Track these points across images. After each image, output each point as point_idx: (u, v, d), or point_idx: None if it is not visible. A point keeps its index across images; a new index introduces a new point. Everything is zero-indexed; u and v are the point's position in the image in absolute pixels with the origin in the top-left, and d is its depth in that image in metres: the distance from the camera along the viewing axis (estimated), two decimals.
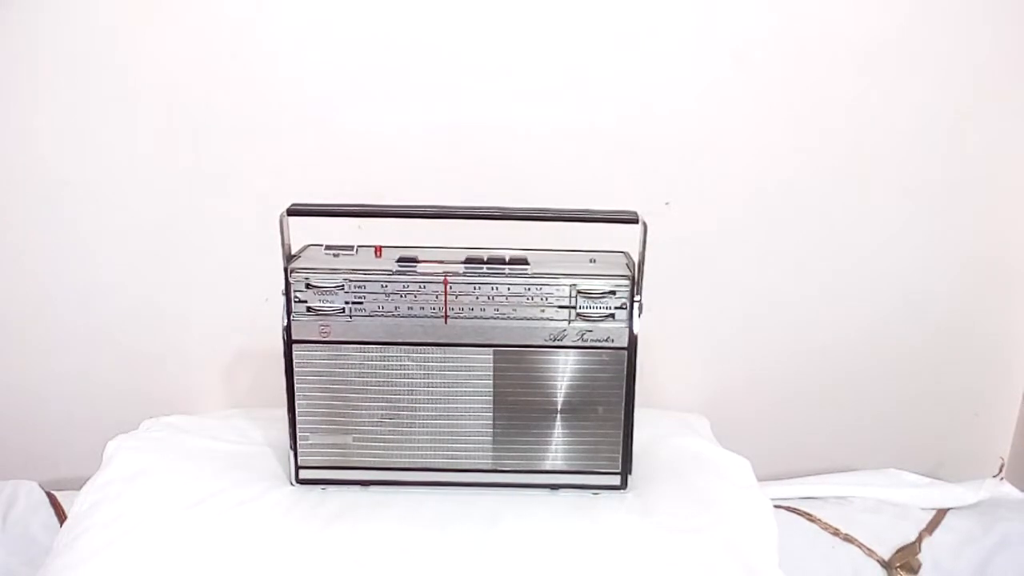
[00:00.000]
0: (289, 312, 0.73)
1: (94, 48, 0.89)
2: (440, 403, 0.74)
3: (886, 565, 0.86)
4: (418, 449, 0.75)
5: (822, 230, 1.00)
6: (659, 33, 0.91)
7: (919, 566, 0.86)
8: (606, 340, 0.73)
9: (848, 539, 0.88)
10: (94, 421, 0.93)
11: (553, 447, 0.76)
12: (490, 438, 0.75)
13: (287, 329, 0.73)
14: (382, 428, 0.75)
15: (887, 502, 0.93)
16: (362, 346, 0.73)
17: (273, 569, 0.68)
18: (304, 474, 0.76)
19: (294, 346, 0.73)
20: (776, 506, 0.83)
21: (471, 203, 0.73)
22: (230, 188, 0.95)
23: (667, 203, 0.96)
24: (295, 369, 0.74)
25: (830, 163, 0.97)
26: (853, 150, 0.96)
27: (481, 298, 0.72)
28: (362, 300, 0.72)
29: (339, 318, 0.73)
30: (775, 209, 0.98)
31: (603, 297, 0.73)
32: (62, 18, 0.88)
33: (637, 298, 0.73)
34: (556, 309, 0.73)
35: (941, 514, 0.91)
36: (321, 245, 0.77)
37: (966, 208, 1.00)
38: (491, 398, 0.74)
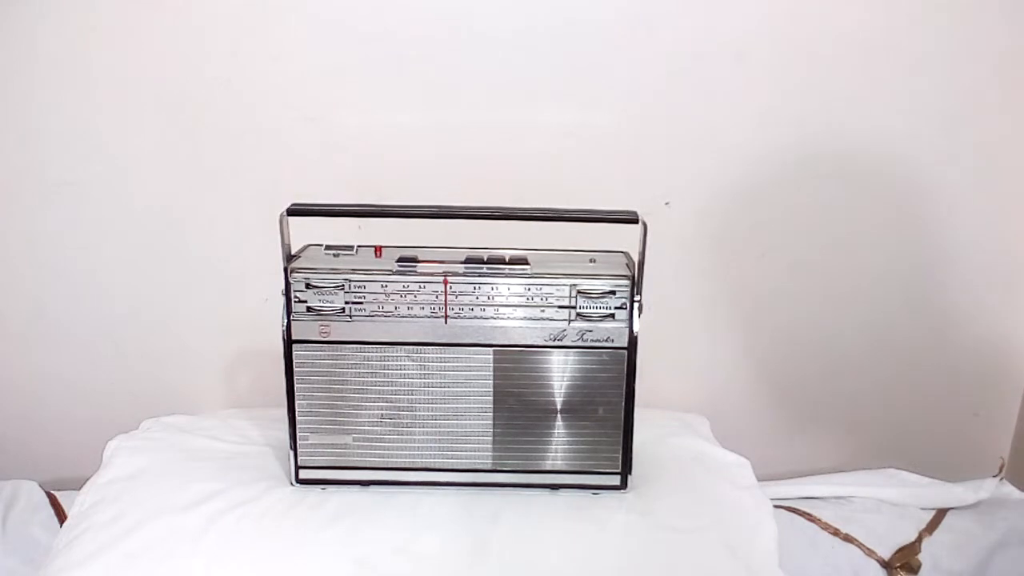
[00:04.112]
0: (289, 312, 0.73)
1: (94, 48, 0.89)
2: (440, 403, 0.74)
3: (886, 565, 0.86)
4: (418, 449, 0.75)
5: (822, 230, 1.00)
6: (659, 32, 0.91)
7: (919, 566, 0.86)
8: (606, 340, 0.73)
9: (848, 539, 0.88)
10: (94, 421, 0.93)
11: (553, 447, 0.76)
12: (490, 438, 0.75)
13: (287, 329, 0.73)
14: (382, 428, 0.75)
15: (887, 502, 0.92)
16: (362, 346, 0.73)
17: (273, 569, 0.68)
18: (304, 474, 0.76)
19: (294, 346, 0.73)
20: (776, 506, 0.83)
21: (471, 203, 0.73)
22: (230, 188, 0.95)
23: (667, 203, 0.96)
24: (295, 369, 0.74)
25: (830, 163, 0.97)
26: (853, 150, 0.96)
27: (481, 298, 0.72)
28: (362, 300, 0.72)
29: (339, 318, 0.73)
30: (775, 209, 0.98)
31: (603, 297, 0.73)
32: (62, 18, 0.88)
33: (637, 298, 0.73)
34: (556, 309, 0.73)
35: (941, 514, 0.91)
36: (321, 245, 0.77)
37: (966, 208, 1.00)
38: (491, 398, 0.74)
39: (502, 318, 0.73)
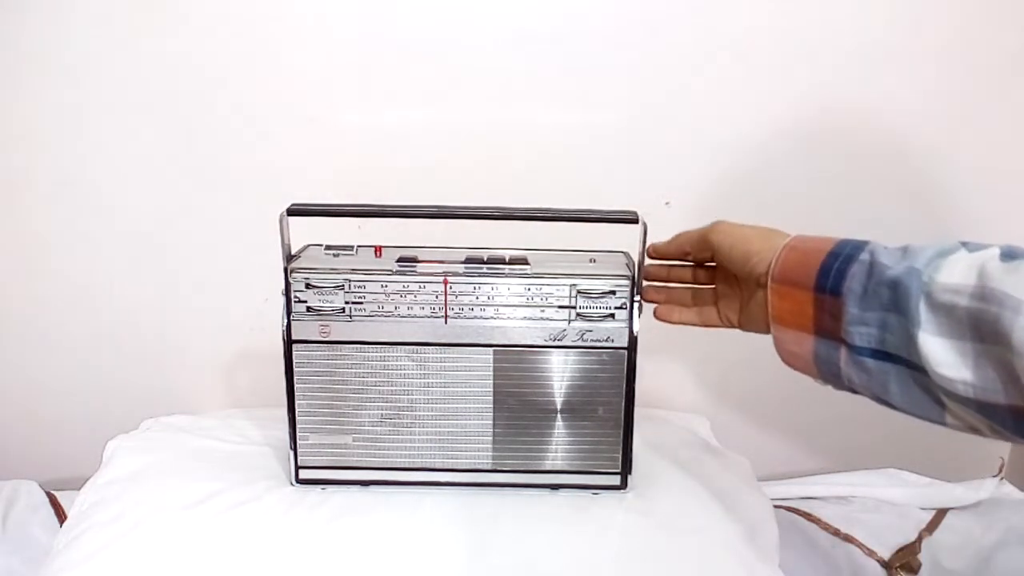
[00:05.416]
0: (289, 312, 0.73)
1: (94, 48, 0.89)
2: (440, 403, 0.74)
3: (886, 565, 0.86)
4: (418, 449, 0.75)
5: (823, 230, 0.99)
6: (659, 32, 0.91)
7: (919, 566, 0.86)
8: (606, 340, 0.73)
9: (848, 539, 0.88)
10: (94, 421, 0.93)
11: (553, 447, 0.76)
12: (490, 438, 0.75)
13: (287, 329, 0.73)
14: (382, 428, 0.75)
15: (887, 502, 0.93)
16: (362, 346, 0.73)
17: (273, 569, 0.68)
18: (304, 474, 0.76)
19: (294, 346, 0.73)
20: (776, 506, 0.83)
21: (471, 203, 0.73)
22: (230, 188, 0.95)
23: (667, 203, 0.97)
24: (295, 369, 0.74)
25: (830, 163, 0.97)
26: (853, 150, 0.96)
27: (481, 298, 0.72)
28: (362, 300, 0.72)
29: (339, 318, 0.73)
30: (775, 209, 0.98)
31: (603, 297, 0.72)
32: (62, 18, 0.88)
33: (637, 298, 0.73)
34: (556, 309, 0.73)
35: (941, 514, 0.91)
36: (321, 245, 0.77)
37: (966, 208, 1.00)
38: (491, 398, 0.74)
39: (502, 318, 0.73)
